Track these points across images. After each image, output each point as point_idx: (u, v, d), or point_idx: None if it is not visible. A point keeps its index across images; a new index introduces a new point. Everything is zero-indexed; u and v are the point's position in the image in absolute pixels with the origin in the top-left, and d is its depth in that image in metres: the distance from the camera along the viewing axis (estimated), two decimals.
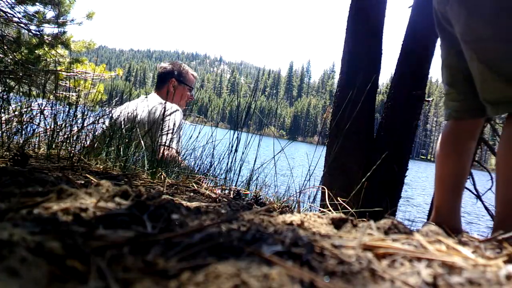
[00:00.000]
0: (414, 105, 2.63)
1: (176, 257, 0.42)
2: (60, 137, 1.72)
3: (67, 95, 3.06)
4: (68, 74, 4.46)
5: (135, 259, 0.41)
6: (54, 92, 2.72)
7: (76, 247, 0.40)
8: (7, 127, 1.77)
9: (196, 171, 1.86)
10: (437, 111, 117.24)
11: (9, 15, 4.10)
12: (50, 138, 1.64)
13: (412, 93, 2.59)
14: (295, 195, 1.63)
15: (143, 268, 0.39)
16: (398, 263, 0.47)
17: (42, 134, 1.87)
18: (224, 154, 1.81)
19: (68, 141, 1.69)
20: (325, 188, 1.59)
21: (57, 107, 1.91)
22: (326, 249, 0.48)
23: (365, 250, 0.50)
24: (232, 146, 1.75)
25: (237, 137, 1.75)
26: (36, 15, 4.31)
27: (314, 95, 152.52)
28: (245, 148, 1.78)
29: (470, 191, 2.80)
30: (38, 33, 4.35)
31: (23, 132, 1.80)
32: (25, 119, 1.86)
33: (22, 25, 4.26)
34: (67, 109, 1.83)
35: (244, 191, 1.60)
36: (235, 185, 1.66)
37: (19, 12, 4.21)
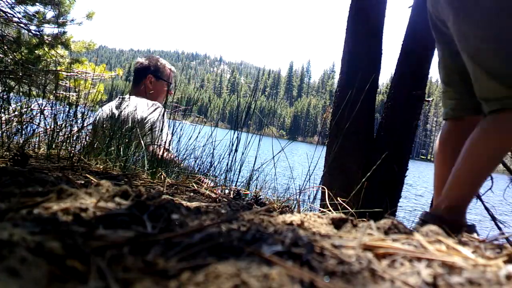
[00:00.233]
0: (414, 105, 2.63)
1: (176, 257, 0.42)
2: (60, 137, 1.72)
3: (67, 95, 3.06)
4: (68, 74, 4.45)
5: (135, 259, 0.41)
6: (54, 92, 2.72)
7: (76, 247, 0.40)
8: (7, 127, 1.77)
9: (196, 171, 1.86)
10: (437, 111, 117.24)
11: (9, 15, 4.11)
12: (50, 138, 1.64)
13: (412, 93, 2.59)
14: (295, 195, 1.63)
15: (143, 268, 0.39)
16: (398, 263, 0.47)
17: (42, 134, 1.87)
18: (224, 154, 1.82)
19: (68, 141, 1.69)
20: (325, 188, 1.59)
21: (57, 107, 1.91)
22: (326, 249, 0.48)
23: (365, 250, 0.50)
24: (232, 145, 1.75)
25: (237, 137, 1.75)
26: (36, 15, 4.31)
27: (314, 95, 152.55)
28: (245, 149, 1.78)
29: None
30: (38, 33, 4.35)
31: (23, 132, 1.80)
32: (25, 119, 1.86)
33: (22, 25, 4.26)
34: (67, 109, 1.83)
35: (244, 191, 1.60)
36: (235, 185, 1.66)
37: (19, 12, 4.21)
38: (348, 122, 2.13)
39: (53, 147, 1.63)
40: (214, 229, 0.53)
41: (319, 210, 1.60)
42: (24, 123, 1.83)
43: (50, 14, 4.41)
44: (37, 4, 4.29)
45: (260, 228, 0.55)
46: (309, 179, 1.70)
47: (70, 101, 2.12)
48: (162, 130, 2.09)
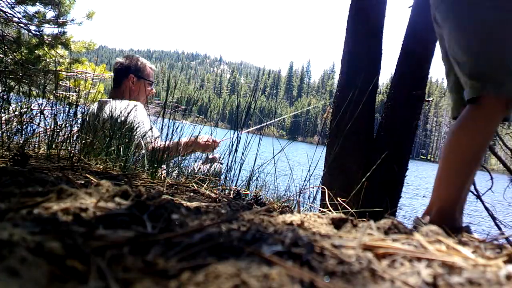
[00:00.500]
0: (414, 105, 2.63)
1: (176, 257, 0.42)
2: (60, 137, 1.72)
3: (67, 95, 3.06)
4: (68, 74, 4.45)
5: (135, 259, 0.41)
6: (54, 92, 2.71)
7: (76, 247, 0.40)
8: (7, 127, 1.77)
9: (196, 171, 1.86)
10: (437, 111, 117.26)
11: (9, 15, 4.10)
12: (50, 138, 1.64)
13: (412, 93, 2.59)
14: (295, 195, 1.63)
15: (143, 268, 0.39)
16: (398, 263, 0.46)
17: (42, 134, 1.87)
18: (224, 154, 1.82)
19: (68, 141, 1.69)
20: (325, 188, 1.59)
21: (57, 107, 1.91)
22: (326, 249, 0.48)
23: (365, 250, 0.50)
24: (232, 145, 1.75)
25: (237, 137, 1.75)
26: (36, 15, 4.31)
27: (314, 95, 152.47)
28: (245, 149, 1.78)
29: (470, 191, 2.80)
30: (38, 33, 4.35)
31: (23, 132, 1.80)
32: (25, 119, 1.86)
33: (22, 25, 4.25)
34: (67, 109, 1.83)
35: (244, 191, 1.60)
36: (235, 185, 1.66)
37: (19, 12, 4.21)
38: (348, 122, 2.13)
39: (53, 147, 1.63)
40: (214, 229, 0.53)
41: (319, 210, 1.60)
42: (24, 123, 1.83)
43: (50, 14, 4.41)
44: (37, 4, 4.28)
45: (260, 228, 0.55)
46: (309, 179, 1.70)
47: (70, 101, 2.12)
48: (151, 127, 2.12)
